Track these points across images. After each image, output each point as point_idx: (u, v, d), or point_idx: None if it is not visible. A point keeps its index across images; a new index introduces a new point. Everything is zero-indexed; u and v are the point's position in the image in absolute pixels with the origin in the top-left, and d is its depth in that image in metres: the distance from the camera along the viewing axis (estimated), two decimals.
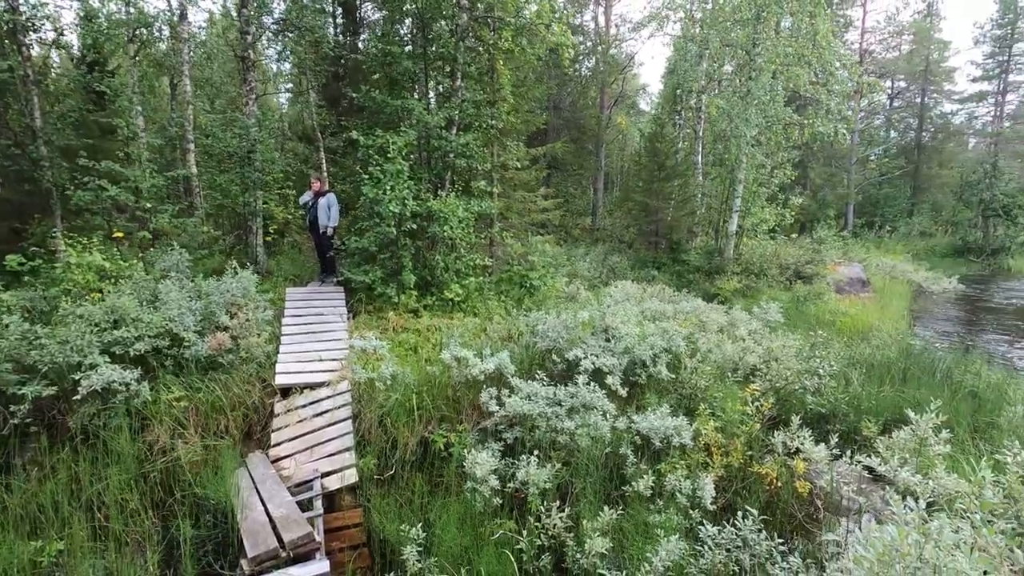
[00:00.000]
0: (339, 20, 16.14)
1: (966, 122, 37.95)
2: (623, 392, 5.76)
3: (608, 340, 6.61)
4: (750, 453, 5.09)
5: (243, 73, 10.75)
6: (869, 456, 4.43)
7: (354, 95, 9.73)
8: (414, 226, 8.47)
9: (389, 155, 8.39)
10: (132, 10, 13.78)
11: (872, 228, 30.31)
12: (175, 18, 13.95)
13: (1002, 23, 31.37)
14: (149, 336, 6.23)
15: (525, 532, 3.72)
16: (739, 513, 3.44)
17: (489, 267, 10.16)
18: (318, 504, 4.63)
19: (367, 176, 8.27)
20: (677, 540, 3.32)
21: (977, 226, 27.69)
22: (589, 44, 24.97)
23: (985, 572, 1.98)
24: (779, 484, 4.73)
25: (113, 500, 4.50)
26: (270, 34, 14.26)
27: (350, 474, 5.13)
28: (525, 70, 12.08)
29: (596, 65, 23.87)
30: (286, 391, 6.54)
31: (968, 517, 3.36)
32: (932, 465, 3.92)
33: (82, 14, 11.45)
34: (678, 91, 23.38)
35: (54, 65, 14.58)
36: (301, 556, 3.95)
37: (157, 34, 15.24)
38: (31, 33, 9.43)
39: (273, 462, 5.50)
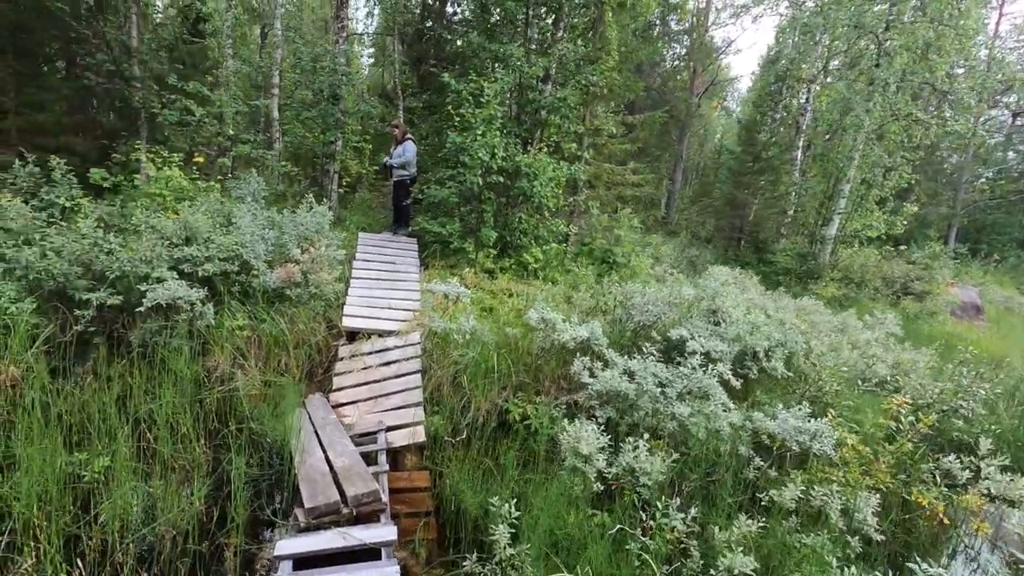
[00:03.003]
0: None
1: None
2: (737, 384, 4.88)
3: (717, 324, 5.71)
4: (902, 477, 4.12)
5: (336, 9, 10.34)
6: None
7: (448, 36, 9.09)
8: (500, 179, 7.76)
9: (482, 100, 7.70)
10: None
11: (977, 255, 27.35)
12: None
13: None
14: (219, 258, 5.83)
15: (640, 530, 2.97)
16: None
17: (569, 236, 9.37)
18: (383, 459, 4.03)
19: (457, 119, 7.62)
20: None
21: None
22: (686, 24, 23.45)
23: None
24: (946, 521, 3.76)
25: (164, 421, 4.07)
26: None
27: (419, 431, 4.52)
28: (628, 31, 11.08)
29: (692, 46, 22.36)
30: (352, 335, 6.03)
31: None
32: None
33: None
34: (773, 84, 21.59)
35: None
36: (364, 516, 3.36)
37: None
38: None
39: (333, 407, 4.99)
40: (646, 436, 3.72)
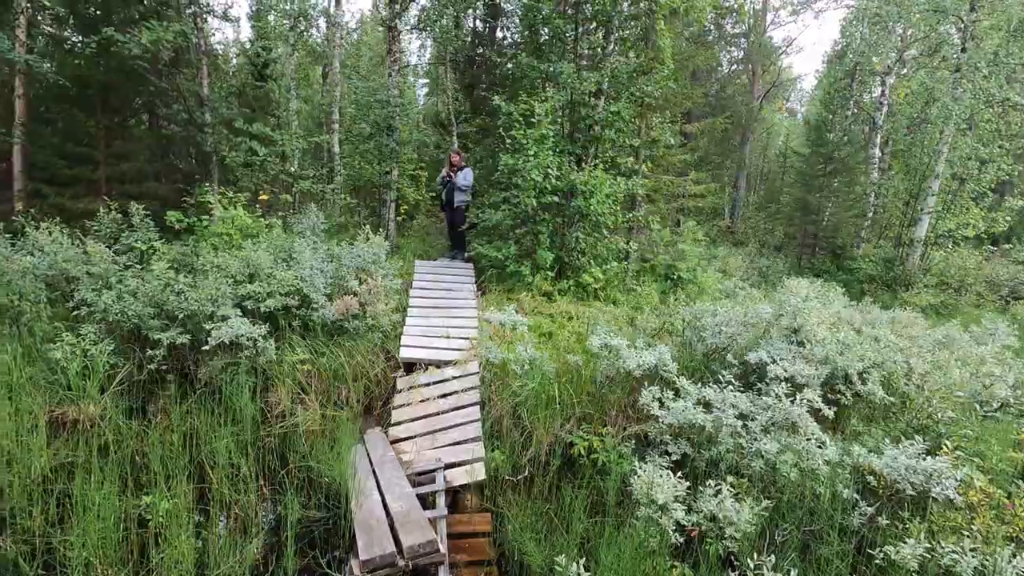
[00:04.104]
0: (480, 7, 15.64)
1: None
2: (829, 413, 4.34)
3: (800, 344, 5.17)
4: None
5: (388, 44, 10.59)
6: None
7: (498, 60, 9.07)
8: (555, 199, 7.55)
9: (533, 120, 7.55)
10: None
11: None
12: (331, 8, 14.40)
13: None
14: (280, 293, 5.91)
15: None
16: None
17: (630, 253, 8.98)
18: (442, 502, 3.83)
19: (509, 141, 7.50)
20: None
21: None
22: (743, 27, 22.60)
23: None
24: None
25: (225, 461, 4.06)
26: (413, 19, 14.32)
27: (479, 468, 4.30)
28: (682, 38, 10.68)
29: (750, 48, 21.47)
30: (410, 366, 5.93)
31: None
32: None
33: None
34: (842, 79, 20.26)
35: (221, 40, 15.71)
36: (421, 569, 3.15)
37: (314, 25, 15.92)
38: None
39: (392, 443, 4.86)
40: (729, 479, 3.31)
